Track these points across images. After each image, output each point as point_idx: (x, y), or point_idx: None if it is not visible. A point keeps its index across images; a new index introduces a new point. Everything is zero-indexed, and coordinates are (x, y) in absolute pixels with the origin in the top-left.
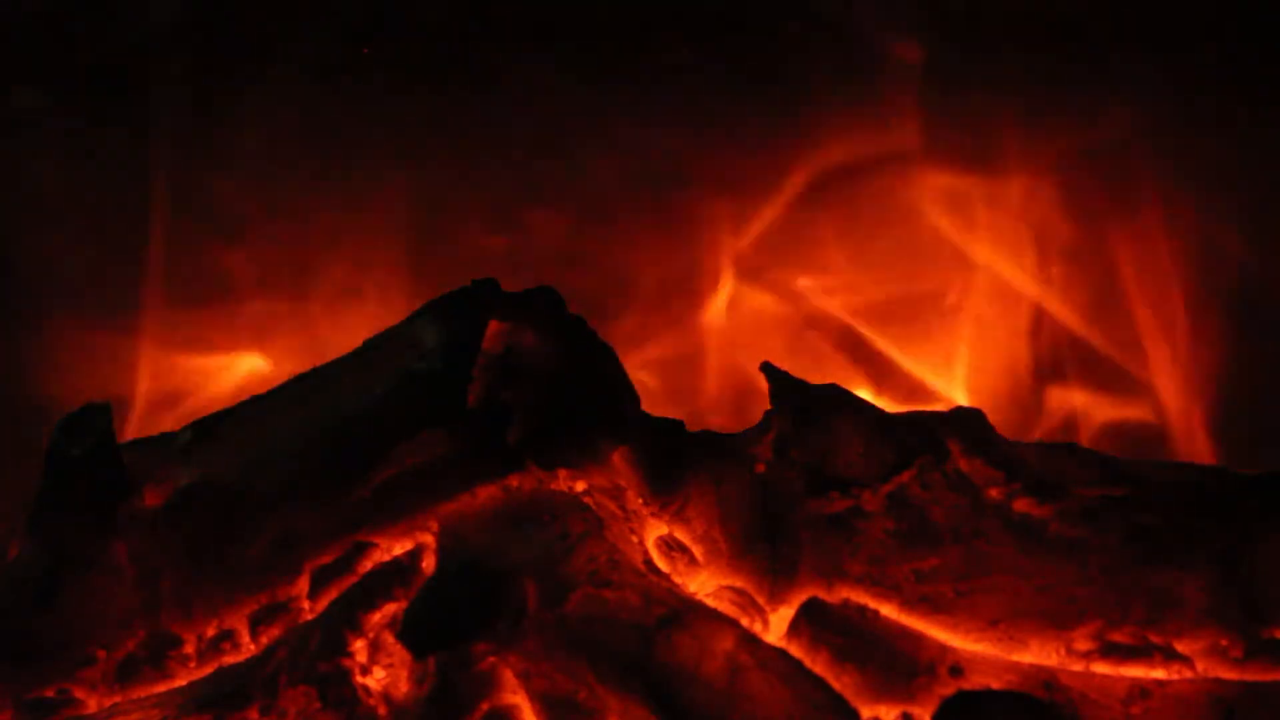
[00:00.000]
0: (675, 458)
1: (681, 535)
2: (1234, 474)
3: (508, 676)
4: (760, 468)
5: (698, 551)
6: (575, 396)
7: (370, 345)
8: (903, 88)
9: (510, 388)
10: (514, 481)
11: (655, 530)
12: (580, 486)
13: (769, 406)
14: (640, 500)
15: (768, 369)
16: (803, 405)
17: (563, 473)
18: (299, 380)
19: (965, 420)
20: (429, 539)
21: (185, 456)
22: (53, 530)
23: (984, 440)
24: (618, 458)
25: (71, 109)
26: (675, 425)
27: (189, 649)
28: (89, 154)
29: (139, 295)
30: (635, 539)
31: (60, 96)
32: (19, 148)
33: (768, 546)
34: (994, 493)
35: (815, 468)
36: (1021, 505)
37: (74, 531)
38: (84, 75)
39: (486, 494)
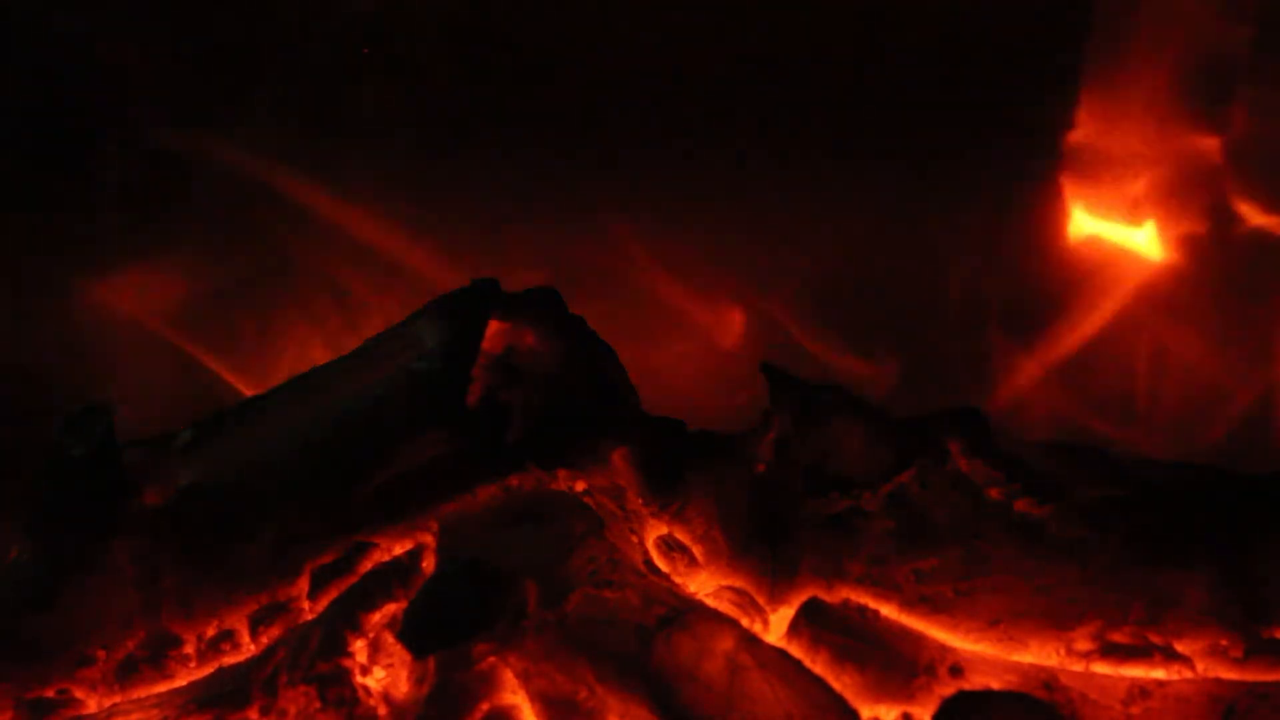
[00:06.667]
0: (675, 458)
1: (681, 535)
2: (1234, 474)
3: (508, 676)
4: (760, 468)
5: (698, 551)
6: (575, 397)
7: (370, 345)
8: None
9: (510, 388)
10: (514, 481)
11: (655, 530)
12: (580, 486)
13: (769, 406)
14: (640, 500)
15: (767, 368)
16: (803, 405)
17: (563, 473)
18: (299, 380)
19: (965, 420)
20: (429, 539)
21: (185, 456)
22: (53, 530)
23: (984, 440)
24: (618, 458)
25: None
26: (675, 425)
27: (189, 649)
28: None
29: None
30: (635, 539)
31: None
32: None
33: (767, 547)
34: (994, 493)
35: (815, 468)
36: (1021, 505)
37: (74, 531)
38: None
39: (486, 494)
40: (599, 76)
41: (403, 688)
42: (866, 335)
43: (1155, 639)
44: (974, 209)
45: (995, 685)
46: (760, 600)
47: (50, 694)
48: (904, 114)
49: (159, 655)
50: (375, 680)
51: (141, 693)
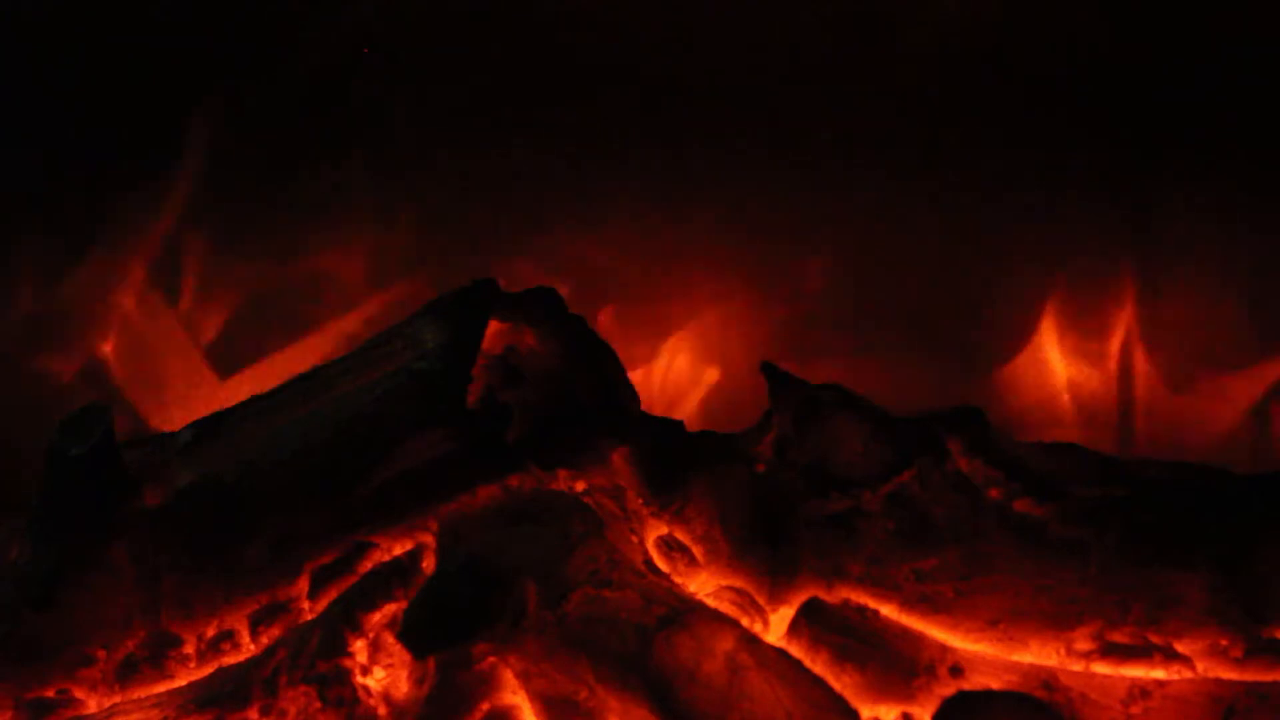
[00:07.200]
0: (675, 458)
1: (681, 535)
2: (1234, 474)
3: (508, 676)
4: (760, 468)
5: (698, 551)
6: (575, 396)
7: (370, 345)
8: None
9: (510, 388)
10: (514, 481)
11: (655, 530)
12: (580, 486)
13: (769, 406)
14: (640, 500)
15: (767, 368)
16: (803, 405)
17: (563, 473)
18: (299, 380)
19: (965, 420)
20: (429, 539)
21: (185, 456)
22: (53, 530)
23: (984, 440)
24: (618, 458)
25: None
26: (675, 425)
27: (189, 649)
28: None
29: None
30: (635, 539)
31: None
32: None
33: (767, 547)
34: (994, 493)
35: (815, 468)
36: (1021, 505)
37: (74, 531)
38: None
39: (486, 494)
40: (610, 73)
41: (403, 688)
42: None
43: (1155, 639)
44: None
45: (995, 685)
46: (760, 600)
47: (50, 694)
48: None
49: (159, 655)
50: (375, 680)
51: (141, 693)
